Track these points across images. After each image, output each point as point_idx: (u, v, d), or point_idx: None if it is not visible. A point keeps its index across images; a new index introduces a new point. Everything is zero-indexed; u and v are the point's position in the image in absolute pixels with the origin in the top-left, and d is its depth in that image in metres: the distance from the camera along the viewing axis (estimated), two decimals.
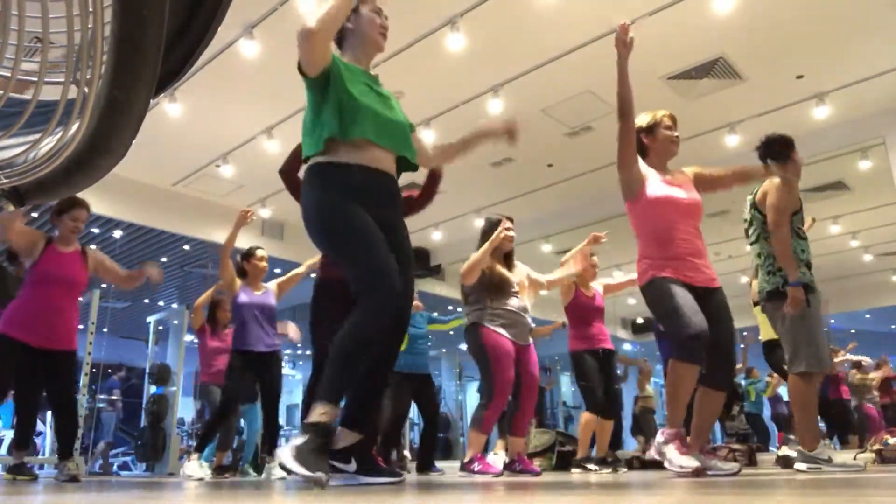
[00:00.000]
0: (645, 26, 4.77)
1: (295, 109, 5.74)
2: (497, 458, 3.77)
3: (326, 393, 1.80)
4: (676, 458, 2.38)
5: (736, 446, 5.29)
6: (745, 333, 6.93)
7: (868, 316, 12.94)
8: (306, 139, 2.06)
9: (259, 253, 4.49)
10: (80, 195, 3.42)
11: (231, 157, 6.69)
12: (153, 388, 7.35)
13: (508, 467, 3.51)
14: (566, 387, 14.69)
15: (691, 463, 2.34)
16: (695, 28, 4.86)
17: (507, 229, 3.58)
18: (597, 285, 4.51)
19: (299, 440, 1.72)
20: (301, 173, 2.93)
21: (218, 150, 6.62)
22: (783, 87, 5.72)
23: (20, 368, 3.36)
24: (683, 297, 2.46)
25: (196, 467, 4.26)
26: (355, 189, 1.96)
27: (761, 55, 5.24)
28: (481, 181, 7.45)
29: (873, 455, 4.35)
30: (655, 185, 2.66)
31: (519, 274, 3.71)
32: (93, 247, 3.69)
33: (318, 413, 1.76)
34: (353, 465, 1.85)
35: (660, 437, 2.48)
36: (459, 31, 4.71)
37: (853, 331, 14.81)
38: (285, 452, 1.70)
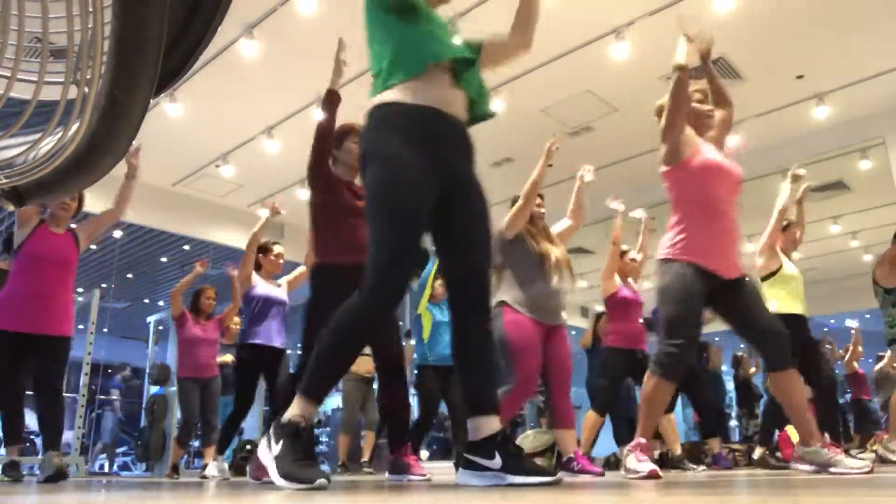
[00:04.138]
0: (645, 26, 4.78)
1: (295, 109, 5.74)
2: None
3: (308, 388, 1.67)
4: (634, 464, 2.36)
5: (735, 446, 5.29)
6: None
7: (868, 316, 12.93)
8: (379, 70, 1.82)
9: (276, 249, 4.46)
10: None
11: (231, 157, 6.70)
12: (153, 388, 7.36)
13: (565, 467, 3.17)
14: None
15: (645, 467, 2.32)
16: (695, 28, 4.85)
17: (538, 206, 3.44)
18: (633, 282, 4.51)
19: (277, 449, 1.61)
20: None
21: (218, 150, 6.63)
22: (783, 87, 5.72)
23: (9, 359, 3.25)
24: (689, 303, 2.36)
25: (222, 467, 4.32)
26: (426, 136, 1.73)
27: (761, 55, 5.24)
28: (481, 181, 7.44)
29: (874, 454, 4.36)
30: (707, 150, 2.52)
31: (558, 249, 3.40)
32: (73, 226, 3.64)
33: (294, 412, 1.64)
34: (497, 461, 1.62)
35: (626, 452, 2.45)
36: (460, 31, 4.71)
37: (853, 331, 14.80)
38: (272, 471, 1.61)
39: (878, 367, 7.63)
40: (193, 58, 1.63)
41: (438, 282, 4.69)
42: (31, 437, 8.60)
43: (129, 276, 9.67)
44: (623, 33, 4.81)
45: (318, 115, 2.95)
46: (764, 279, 4.06)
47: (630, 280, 4.52)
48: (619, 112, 5.91)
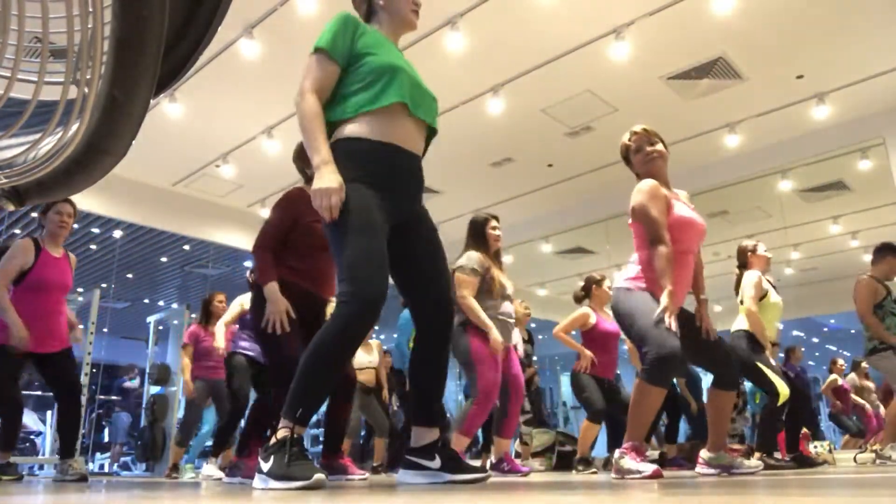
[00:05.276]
0: (645, 26, 4.78)
1: (295, 109, 5.74)
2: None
3: (291, 411, 1.67)
4: (634, 465, 2.36)
5: (735, 446, 5.30)
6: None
7: None
8: (331, 106, 1.95)
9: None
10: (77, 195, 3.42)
11: (231, 157, 6.70)
12: (153, 389, 7.36)
13: (496, 468, 3.53)
14: (566, 387, 14.71)
15: (648, 467, 2.33)
16: (695, 28, 4.85)
17: (494, 228, 3.63)
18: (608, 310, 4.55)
19: (265, 466, 1.61)
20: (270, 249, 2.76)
21: (218, 150, 6.62)
22: (783, 87, 5.72)
23: (14, 373, 3.39)
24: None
25: (214, 468, 4.39)
26: (378, 173, 1.81)
27: (761, 55, 5.24)
28: (481, 181, 7.45)
29: (873, 455, 4.37)
30: (679, 206, 2.63)
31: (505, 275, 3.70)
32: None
33: (279, 433, 1.65)
34: (437, 462, 1.80)
35: (617, 454, 2.47)
36: (459, 31, 4.71)
37: (853, 331, 14.80)
38: (259, 484, 1.62)
39: (851, 376, 7.79)
40: (193, 58, 1.63)
41: None
42: (31, 437, 8.61)
43: (129, 276, 9.67)
44: (623, 33, 4.81)
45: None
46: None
47: (606, 309, 4.50)
48: (619, 112, 5.90)
